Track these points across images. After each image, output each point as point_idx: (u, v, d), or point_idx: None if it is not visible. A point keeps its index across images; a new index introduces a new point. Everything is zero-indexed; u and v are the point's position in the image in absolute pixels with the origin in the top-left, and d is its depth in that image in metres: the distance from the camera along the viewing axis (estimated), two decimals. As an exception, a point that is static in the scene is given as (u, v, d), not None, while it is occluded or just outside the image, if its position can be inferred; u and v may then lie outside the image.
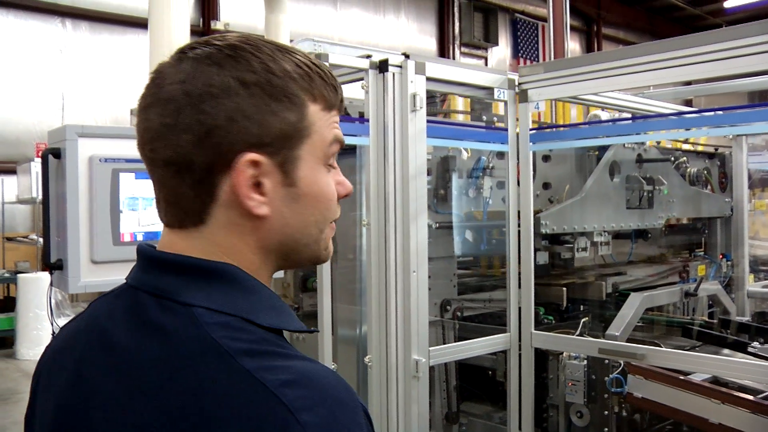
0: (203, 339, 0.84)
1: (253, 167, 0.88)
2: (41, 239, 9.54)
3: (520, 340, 3.43)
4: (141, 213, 2.43)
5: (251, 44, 0.91)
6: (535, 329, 3.41)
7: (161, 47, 3.80)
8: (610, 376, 3.21)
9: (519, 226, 3.43)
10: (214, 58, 0.88)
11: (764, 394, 2.88)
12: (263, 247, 0.94)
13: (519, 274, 3.42)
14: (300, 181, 0.92)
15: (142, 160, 0.93)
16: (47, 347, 1.07)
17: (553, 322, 3.76)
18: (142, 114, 0.91)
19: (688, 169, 4.47)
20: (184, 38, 3.94)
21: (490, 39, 17.31)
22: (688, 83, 4.58)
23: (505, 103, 3.48)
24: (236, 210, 0.90)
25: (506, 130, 3.49)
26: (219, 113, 0.86)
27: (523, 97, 3.47)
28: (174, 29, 3.89)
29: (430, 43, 16.61)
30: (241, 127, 0.86)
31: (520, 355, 3.43)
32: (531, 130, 3.46)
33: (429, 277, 3.10)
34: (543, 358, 3.54)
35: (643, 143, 4.00)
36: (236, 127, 0.86)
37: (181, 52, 0.91)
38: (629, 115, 4.07)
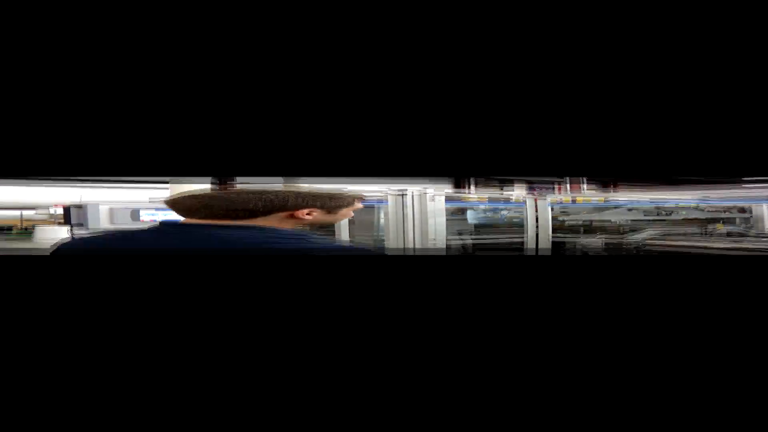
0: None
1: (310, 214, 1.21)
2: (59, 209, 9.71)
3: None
4: (161, 216, 2.42)
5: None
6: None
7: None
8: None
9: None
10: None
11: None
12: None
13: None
14: (338, 213, 1.26)
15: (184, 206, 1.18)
16: None
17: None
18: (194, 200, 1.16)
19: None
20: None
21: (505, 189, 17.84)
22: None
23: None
24: (289, 217, 1.20)
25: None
26: (294, 198, 1.18)
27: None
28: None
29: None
30: (309, 201, 1.19)
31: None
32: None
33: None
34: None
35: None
36: (305, 201, 1.19)
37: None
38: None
